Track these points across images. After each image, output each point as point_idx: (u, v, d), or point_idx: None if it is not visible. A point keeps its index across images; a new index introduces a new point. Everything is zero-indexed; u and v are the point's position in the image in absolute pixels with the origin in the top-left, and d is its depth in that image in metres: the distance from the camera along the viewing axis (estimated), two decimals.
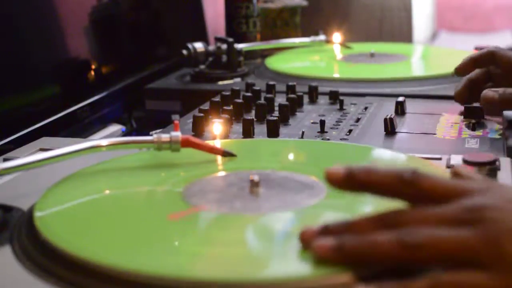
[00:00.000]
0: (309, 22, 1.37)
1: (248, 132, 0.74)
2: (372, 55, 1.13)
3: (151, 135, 0.62)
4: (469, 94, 0.82)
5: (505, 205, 0.40)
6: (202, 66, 1.06)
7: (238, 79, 1.05)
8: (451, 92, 0.91)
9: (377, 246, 0.40)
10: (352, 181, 0.43)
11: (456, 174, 0.48)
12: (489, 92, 0.77)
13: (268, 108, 0.82)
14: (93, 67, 1.05)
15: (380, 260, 0.40)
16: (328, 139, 0.73)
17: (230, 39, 1.06)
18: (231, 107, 0.80)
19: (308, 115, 0.83)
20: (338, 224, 0.43)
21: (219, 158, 0.62)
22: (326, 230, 0.42)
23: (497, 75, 0.81)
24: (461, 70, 0.83)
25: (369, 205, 0.49)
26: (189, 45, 1.06)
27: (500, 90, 0.76)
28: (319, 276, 0.40)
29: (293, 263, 0.42)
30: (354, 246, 0.40)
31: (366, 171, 0.43)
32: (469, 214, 0.40)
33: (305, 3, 1.31)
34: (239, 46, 1.08)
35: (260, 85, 0.92)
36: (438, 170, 0.57)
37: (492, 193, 0.41)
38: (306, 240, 0.42)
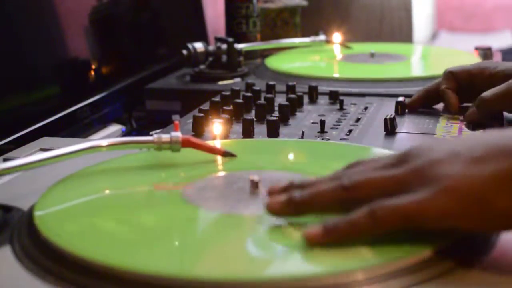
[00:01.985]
0: (309, 22, 1.37)
1: (248, 132, 0.74)
2: (372, 55, 1.13)
3: (151, 135, 0.62)
4: (423, 102, 0.84)
5: (427, 146, 0.46)
6: (202, 66, 1.06)
7: (238, 79, 1.05)
8: None
9: (320, 193, 0.46)
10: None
11: None
12: (469, 113, 0.77)
13: (268, 108, 0.82)
14: (93, 67, 1.05)
15: (324, 204, 0.46)
16: (328, 139, 0.73)
17: (230, 39, 1.06)
18: (231, 107, 0.80)
19: (308, 115, 0.83)
20: (294, 184, 0.48)
21: (219, 158, 0.62)
22: (284, 190, 0.48)
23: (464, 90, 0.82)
24: (414, 104, 0.84)
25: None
26: (189, 45, 1.06)
27: (474, 102, 0.77)
28: (319, 275, 0.40)
29: (293, 263, 0.42)
30: (302, 197, 0.46)
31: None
32: (398, 158, 0.46)
33: (305, 3, 1.31)
34: (239, 46, 1.08)
35: (260, 85, 0.92)
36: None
37: (417, 144, 0.47)
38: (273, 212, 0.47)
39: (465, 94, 0.81)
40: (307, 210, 0.46)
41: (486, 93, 0.75)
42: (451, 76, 0.82)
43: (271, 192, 0.49)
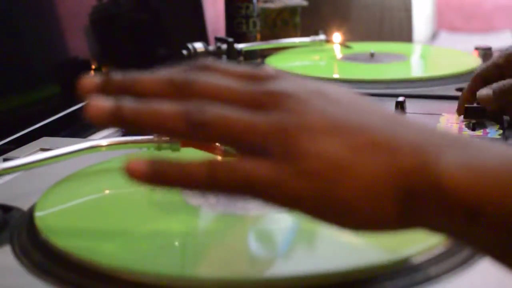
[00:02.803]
0: (309, 22, 1.37)
1: None
2: (372, 55, 1.13)
3: (151, 135, 0.62)
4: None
5: (304, 95, 0.37)
6: None
7: None
8: (451, 92, 0.91)
9: (160, 116, 0.36)
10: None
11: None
12: (483, 91, 0.74)
13: None
14: (93, 67, 1.05)
15: (162, 131, 0.37)
16: None
17: (230, 39, 1.06)
18: None
19: None
20: (121, 80, 0.38)
21: (219, 158, 0.62)
22: (107, 84, 0.38)
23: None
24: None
25: None
26: (189, 45, 1.06)
27: (494, 84, 0.74)
28: (319, 274, 0.40)
29: (293, 263, 0.42)
30: (134, 112, 0.36)
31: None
32: (266, 98, 0.37)
33: (305, 3, 1.31)
34: (239, 46, 1.08)
35: None
36: None
37: (292, 82, 0.38)
38: (84, 91, 0.38)
39: None
40: (135, 128, 0.37)
41: (504, 82, 0.72)
42: (479, 78, 0.77)
43: (88, 84, 0.38)
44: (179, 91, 0.38)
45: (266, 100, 0.37)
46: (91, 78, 0.38)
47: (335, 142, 0.35)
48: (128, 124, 0.36)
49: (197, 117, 0.36)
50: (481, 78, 0.77)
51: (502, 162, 0.34)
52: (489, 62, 0.78)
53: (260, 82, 0.38)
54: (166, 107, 0.36)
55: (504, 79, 0.75)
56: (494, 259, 0.35)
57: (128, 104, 0.36)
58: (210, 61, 0.40)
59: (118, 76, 0.38)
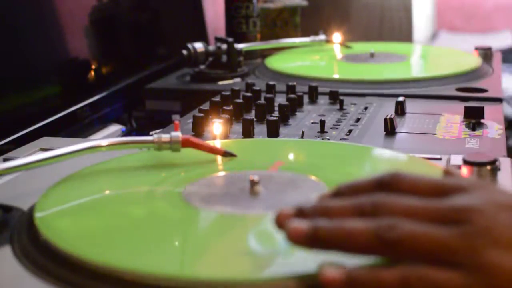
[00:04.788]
0: (309, 22, 1.37)
1: (248, 132, 0.74)
2: (372, 55, 1.13)
3: (151, 135, 0.62)
4: None
5: (492, 209, 0.38)
6: (202, 66, 1.06)
7: (238, 79, 1.05)
8: (451, 92, 0.91)
9: (353, 235, 0.38)
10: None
11: (447, 173, 0.46)
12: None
13: (268, 108, 0.82)
14: (93, 67, 1.05)
15: (355, 250, 0.38)
16: (328, 139, 0.73)
17: (230, 39, 1.06)
18: (231, 107, 0.80)
19: (308, 115, 0.83)
20: (314, 207, 0.41)
21: (219, 158, 0.62)
22: (301, 213, 0.41)
23: None
24: None
25: None
26: (189, 45, 1.06)
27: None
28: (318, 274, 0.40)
29: (292, 263, 0.42)
30: (329, 233, 0.39)
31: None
32: (453, 214, 0.38)
33: (305, 3, 1.31)
34: (239, 46, 1.08)
35: (260, 85, 0.92)
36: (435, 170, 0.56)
37: (481, 194, 0.40)
38: (281, 222, 0.41)
39: None
40: (330, 248, 0.39)
41: None
42: None
43: (285, 215, 0.41)
44: (369, 214, 0.40)
45: (454, 217, 0.38)
46: (286, 211, 0.41)
47: None
48: (325, 244, 0.39)
49: (388, 235, 0.38)
50: None
51: None
52: None
53: (447, 197, 0.40)
54: (359, 226, 0.39)
55: None
56: None
57: (323, 224, 0.39)
58: (396, 175, 0.42)
59: (308, 205, 0.41)
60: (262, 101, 0.83)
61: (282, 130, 0.76)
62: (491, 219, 0.38)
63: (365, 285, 0.38)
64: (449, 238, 0.37)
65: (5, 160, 0.66)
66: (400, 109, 0.83)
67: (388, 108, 0.84)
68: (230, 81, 1.04)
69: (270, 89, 0.91)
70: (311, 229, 0.39)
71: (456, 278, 0.37)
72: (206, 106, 0.84)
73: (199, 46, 1.06)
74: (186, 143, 0.61)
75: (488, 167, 0.56)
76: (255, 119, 0.76)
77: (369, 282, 0.38)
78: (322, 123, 0.76)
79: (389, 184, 0.42)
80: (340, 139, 0.73)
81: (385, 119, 0.75)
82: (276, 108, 0.83)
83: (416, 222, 0.38)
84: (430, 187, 0.41)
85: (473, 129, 0.75)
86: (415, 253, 0.38)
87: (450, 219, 0.38)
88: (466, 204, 0.38)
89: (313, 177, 0.56)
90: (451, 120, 0.79)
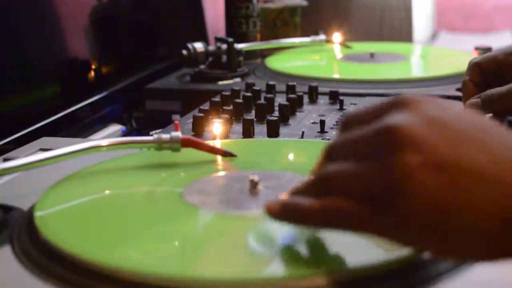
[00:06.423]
0: (309, 22, 1.37)
1: (248, 132, 0.74)
2: (372, 55, 1.13)
3: (151, 135, 0.62)
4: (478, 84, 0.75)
5: (416, 125, 0.38)
6: (202, 66, 1.06)
7: (238, 79, 1.05)
8: (451, 92, 0.91)
9: (300, 208, 0.41)
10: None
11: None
12: (472, 100, 0.73)
13: (268, 108, 0.82)
14: (93, 67, 1.05)
15: (306, 221, 0.41)
16: (328, 139, 0.73)
17: (230, 39, 1.06)
18: (231, 107, 0.80)
19: (308, 115, 0.83)
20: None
21: (219, 158, 0.62)
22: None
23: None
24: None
25: None
26: (189, 45, 1.06)
27: (482, 94, 0.73)
28: (318, 275, 0.40)
29: (292, 263, 0.42)
30: (287, 208, 0.42)
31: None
32: (376, 137, 0.39)
33: (305, 3, 1.31)
34: (239, 46, 1.08)
35: (260, 85, 0.92)
36: None
37: (410, 110, 0.39)
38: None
39: (496, 82, 0.74)
40: (294, 222, 0.43)
41: (492, 90, 0.72)
42: (477, 67, 0.75)
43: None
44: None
45: (376, 140, 0.38)
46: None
47: (441, 182, 0.36)
48: (286, 218, 0.42)
49: (322, 186, 0.41)
50: (479, 67, 0.75)
51: None
52: (489, 54, 0.76)
53: (380, 119, 0.40)
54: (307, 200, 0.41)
55: (500, 74, 0.74)
56: None
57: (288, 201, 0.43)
58: (345, 117, 0.43)
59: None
60: (262, 101, 0.83)
61: (282, 130, 0.76)
62: (410, 135, 0.37)
63: (294, 212, 0.41)
64: (364, 174, 0.38)
65: (5, 160, 0.66)
66: None
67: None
68: (230, 81, 1.04)
69: (270, 89, 0.91)
70: (279, 205, 0.42)
71: (367, 210, 0.38)
72: (206, 106, 0.84)
73: (199, 46, 1.06)
74: (186, 143, 0.61)
75: None
76: (255, 119, 0.76)
77: (297, 210, 0.41)
78: (322, 123, 0.76)
79: (345, 127, 0.42)
80: None
81: None
82: (276, 108, 0.83)
83: (341, 162, 0.40)
84: (371, 113, 0.41)
85: None
86: (340, 191, 0.39)
87: (374, 144, 0.38)
88: (388, 124, 0.38)
89: (313, 177, 0.56)
90: None
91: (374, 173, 0.38)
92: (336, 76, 1.03)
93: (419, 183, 0.36)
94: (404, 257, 0.42)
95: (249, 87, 0.92)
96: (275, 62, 1.10)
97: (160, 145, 0.60)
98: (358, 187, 0.39)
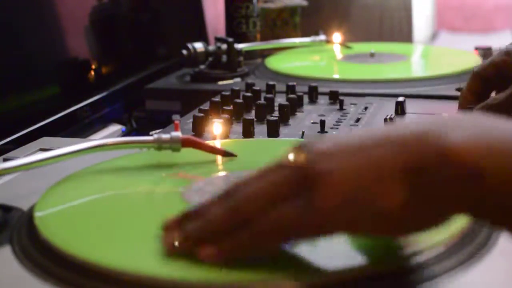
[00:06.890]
0: (309, 22, 1.37)
1: (248, 132, 0.74)
2: (372, 55, 1.13)
3: (151, 135, 0.62)
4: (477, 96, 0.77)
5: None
6: (202, 66, 1.06)
7: (238, 79, 1.05)
8: (451, 92, 0.91)
9: (211, 221, 0.42)
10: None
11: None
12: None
13: (268, 108, 0.82)
14: (93, 67, 1.05)
15: (219, 233, 0.41)
16: None
17: (230, 39, 1.06)
18: (231, 107, 0.80)
19: (308, 115, 0.83)
20: (188, 213, 0.43)
21: (219, 158, 0.62)
22: (183, 219, 0.44)
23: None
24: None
25: None
26: (189, 45, 1.06)
27: (478, 106, 0.74)
28: (318, 274, 0.40)
29: (290, 264, 0.42)
30: (194, 231, 0.42)
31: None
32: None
33: (305, 3, 1.31)
34: (239, 46, 1.08)
35: (260, 85, 0.92)
36: None
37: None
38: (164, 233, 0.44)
39: (501, 84, 0.75)
40: (205, 242, 0.41)
41: (488, 101, 0.73)
42: (477, 76, 0.77)
43: (166, 228, 0.44)
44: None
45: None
46: (171, 221, 0.44)
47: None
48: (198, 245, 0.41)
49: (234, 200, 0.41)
50: (479, 76, 0.77)
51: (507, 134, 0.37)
52: (487, 61, 0.78)
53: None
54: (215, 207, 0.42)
55: (502, 77, 0.75)
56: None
57: (190, 227, 0.42)
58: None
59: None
60: (262, 101, 0.84)
61: (282, 130, 0.76)
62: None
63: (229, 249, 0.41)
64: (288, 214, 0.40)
65: (5, 160, 0.66)
66: (400, 109, 0.83)
67: (388, 108, 0.84)
68: (230, 81, 1.04)
69: (270, 89, 0.91)
70: (181, 234, 0.42)
71: (294, 209, 0.39)
72: (206, 106, 0.84)
73: (199, 46, 1.06)
74: (186, 143, 0.61)
75: None
76: (255, 119, 0.76)
77: (230, 246, 0.41)
78: (322, 123, 0.76)
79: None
80: None
81: (385, 119, 0.75)
82: (276, 108, 0.83)
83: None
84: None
85: None
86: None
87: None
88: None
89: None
90: None
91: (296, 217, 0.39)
92: (336, 76, 1.03)
93: (326, 174, 0.39)
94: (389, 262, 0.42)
95: (249, 87, 0.92)
96: (275, 62, 1.10)
97: (160, 145, 0.60)
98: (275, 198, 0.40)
